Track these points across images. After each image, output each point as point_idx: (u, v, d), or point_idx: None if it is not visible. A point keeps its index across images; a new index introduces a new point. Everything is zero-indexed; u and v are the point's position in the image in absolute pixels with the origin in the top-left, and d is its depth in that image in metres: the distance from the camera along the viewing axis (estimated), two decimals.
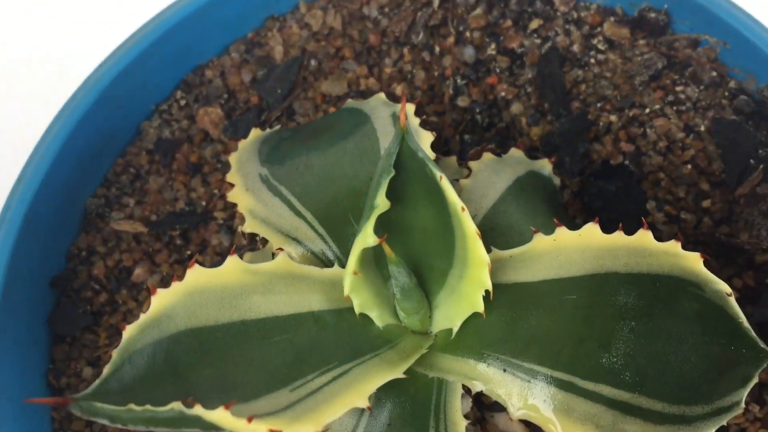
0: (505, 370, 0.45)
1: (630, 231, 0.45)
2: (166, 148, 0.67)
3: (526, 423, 0.54)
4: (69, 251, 0.64)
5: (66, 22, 0.85)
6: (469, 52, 0.69)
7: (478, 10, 0.70)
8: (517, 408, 0.44)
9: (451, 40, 0.69)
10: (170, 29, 0.66)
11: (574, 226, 0.47)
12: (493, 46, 0.69)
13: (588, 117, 0.65)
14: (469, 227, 0.42)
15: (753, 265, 0.59)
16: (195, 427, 0.36)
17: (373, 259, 0.46)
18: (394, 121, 0.53)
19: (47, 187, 0.60)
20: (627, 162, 0.63)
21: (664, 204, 0.62)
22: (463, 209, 0.41)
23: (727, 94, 0.65)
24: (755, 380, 0.42)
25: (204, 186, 0.65)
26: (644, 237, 0.45)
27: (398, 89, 0.68)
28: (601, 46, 0.68)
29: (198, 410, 0.35)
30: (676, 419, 0.42)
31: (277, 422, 0.37)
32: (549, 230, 0.47)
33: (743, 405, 0.41)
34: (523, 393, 0.44)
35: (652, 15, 0.68)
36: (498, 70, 0.68)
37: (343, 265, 0.48)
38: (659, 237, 0.59)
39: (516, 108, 0.66)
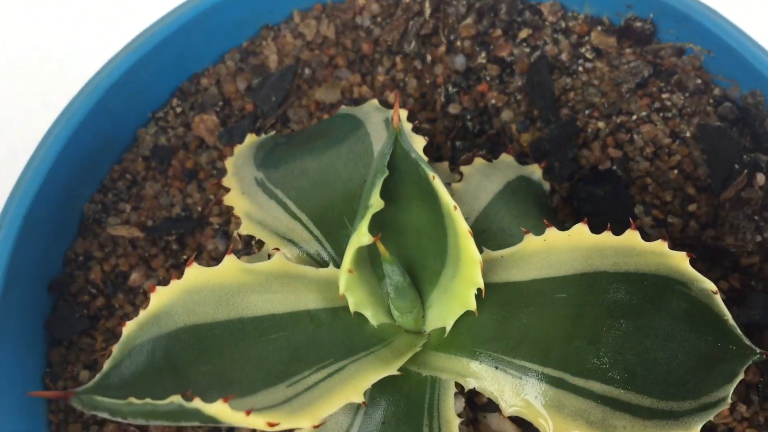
0: (497, 368, 0.46)
1: (618, 234, 0.46)
2: (162, 155, 0.68)
3: (517, 423, 0.55)
4: (66, 256, 0.64)
5: (66, 22, 0.86)
6: (460, 61, 0.70)
7: (469, 20, 0.72)
8: (509, 404, 0.45)
9: (442, 49, 0.71)
10: (166, 38, 0.67)
11: (563, 229, 0.48)
12: (483, 54, 0.71)
13: (576, 123, 0.67)
14: (462, 226, 0.43)
15: (738, 267, 0.60)
16: (194, 420, 0.37)
17: (368, 259, 0.47)
18: (387, 126, 0.54)
19: (45, 193, 0.60)
20: (615, 167, 0.65)
21: (652, 208, 0.63)
22: (455, 208, 0.42)
23: (711, 101, 0.67)
24: (741, 376, 0.42)
25: (199, 192, 0.66)
26: (632, 237, 0.46)
27: (391, 97, 0.69)
28: (588, 55, 0.70)
29: (197, 403, 0.35)
30: (664, 414, 0.43)
31: (275, 415, 0.37)
32: (539, 232, 0.48)
33: (730, 400, 0.42)
34: (515, 390, 0.45)
35: (638, 24, 0.70)
36: (488, 78, 0.70)
37: (338, 266, 0.49)
38: (647, 240, 0.60)
39: (506, 115, 0.68)
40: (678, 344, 0.44)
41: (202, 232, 0.64)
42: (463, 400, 0.54)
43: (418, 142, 0.51)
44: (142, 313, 0.42)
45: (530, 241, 0.48)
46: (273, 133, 0.63)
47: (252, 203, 0.53)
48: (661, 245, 0.45)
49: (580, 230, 0.47)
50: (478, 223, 0.54)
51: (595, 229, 0.47)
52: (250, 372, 0.42)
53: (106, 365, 0.39)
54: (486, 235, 0.53)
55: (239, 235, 0.60)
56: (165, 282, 0.63)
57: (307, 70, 0.71)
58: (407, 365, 0.47)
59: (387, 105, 0.68)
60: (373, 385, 0.44)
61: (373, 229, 0.42)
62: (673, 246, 0.61)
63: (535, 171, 0.60)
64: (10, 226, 0.58)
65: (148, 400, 0.36)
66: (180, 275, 0.44)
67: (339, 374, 0.43)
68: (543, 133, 0.67)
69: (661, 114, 0.67)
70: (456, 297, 0.46)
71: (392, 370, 0.44)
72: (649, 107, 0.67)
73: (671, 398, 0.43)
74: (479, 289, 0.45)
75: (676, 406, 0.43)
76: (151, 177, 0.67)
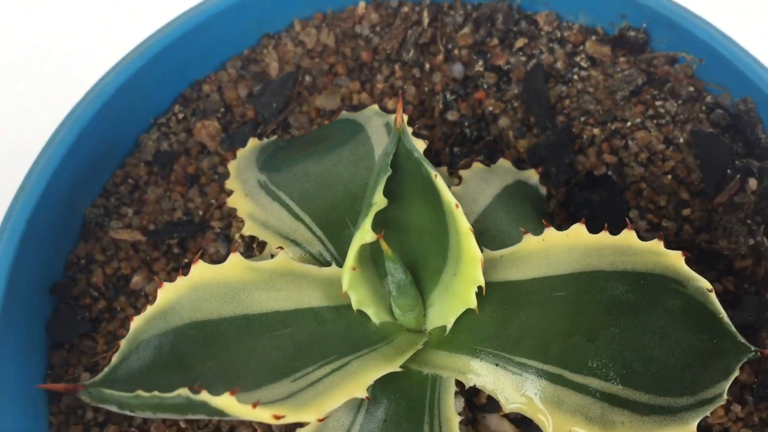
0: (497, 365, 0.46)
1: (615, 234, 0.47)
2: (164, 160, 0.69)
3: (516, 424, 0.56)
4: (68, 259, 0.65)
5: (66, 22, 0.86)
6: (457, 69, 0.71)
7: (466, 29, 0.73)
8: (509, 401, 0.45)
9: (440, 57, 0.72)
10: (169, 46, 0.68)
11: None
12: (480, 63, 0.72)
13: (572, 130, 0.68)
14: (463, 224, 0.43)
15: (732, 270, 0.61)
16: (200, 413, 0.37)
17: (370, 258, 0.48)
18: (387, 130, 0.55)
19: (48, 197, 0.61)
20: (610, 173, 0.66)
21: (647, 212, 0.64)
22: (457, 206, 0.43)
23: (704, 108, 0.68)
24: (737, 373, 0.43)
25: (201, 196, 0.67)
26: (628, 236, 0.47)
27: (390, 104, 0.70)
28: (583, 64, 0.71)
29: (204, 396, 0.36)
30: (661, 410, 0.43)
31: (281, 409, 0.38)
32: (537, 233, 0.48)
33: (725, 396, 0.43)
34: (515, 387, 0.45)
35: (632, 34, 0.71)
36: (486, 86, 0.71)
37: (340, 266, 0.50)
38: None
39: (503, 122, 0.69)
40: (674, 341, 0.45)
41: (203, 236, 0.65)
42: (463, 400, 0.55)
43: (419, 145, 0.52)
44: (150, 308, 0.42)
45: (529, 241, 0.48)
46: (275, 137, 0.64)
47: (255, 205, 0.53)
48: (657, 244, 0.46)
49: (578, 230, 0.48)
50: (477, 225, 0.55)
51: (592, 232, 0.48)
52: (255, 367, 0.42)
53: (115, 359, 0.40)
54: (485, 237, 0.54)
55: (241, 238, 0.61)
56: None
57: (307, 78, 0.73)
58: (408, 363, 0.48)
59: (386, 112, 0.69)
60: (375, 384, 0.45)
61: (376, 227, 0.42)
62: (668, 249, 0.62)
63: (532, 176, 0.61)
64: (13, 230, 0.59)
65: (156, 393, 0.36)
66: (185, 274, 0.45)
67: (342, 370, 0.43)
68: (539, 139, 0.68)
69: (654, 121, 0.68)
70: (457, 295, 0.47)
71: (394, 367, 0.45)
72: (643, 114, 0.68)
73: (668, 394, 0.44)
74: (480, 287, 0.46)
75: (673, 401, 0.43)
76: (153, 182, 0.68)
